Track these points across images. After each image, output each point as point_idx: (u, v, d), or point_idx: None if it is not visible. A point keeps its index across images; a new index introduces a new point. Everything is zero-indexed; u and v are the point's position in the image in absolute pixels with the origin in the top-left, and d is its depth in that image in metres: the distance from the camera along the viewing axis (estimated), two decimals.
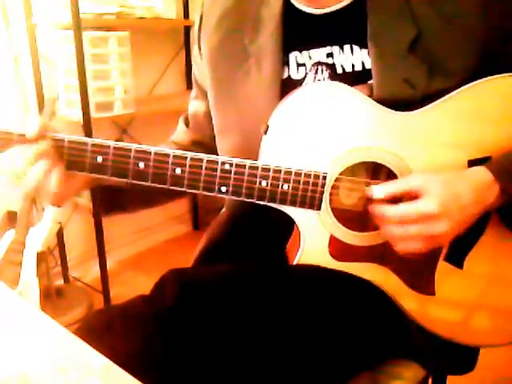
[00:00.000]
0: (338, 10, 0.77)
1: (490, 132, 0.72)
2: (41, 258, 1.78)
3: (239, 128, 0.80)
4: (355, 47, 0.76)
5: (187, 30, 2.46)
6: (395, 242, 0.68)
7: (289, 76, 0.80)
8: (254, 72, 0.80)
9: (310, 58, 0.79)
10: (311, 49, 0.79)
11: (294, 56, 0.80)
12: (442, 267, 0.76)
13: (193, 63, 0.94)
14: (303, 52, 0.79)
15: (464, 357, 0.84)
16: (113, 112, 1.89)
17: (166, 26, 2.37)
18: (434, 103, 0.71)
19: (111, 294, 1.99)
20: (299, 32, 0.80)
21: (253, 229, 0.87)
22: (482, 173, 0.68)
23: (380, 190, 0.68)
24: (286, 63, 0.80)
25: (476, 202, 0.67)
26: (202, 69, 0.88)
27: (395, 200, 0.68)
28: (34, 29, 1.86)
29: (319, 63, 0.78)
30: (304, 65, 0.79)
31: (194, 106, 0.94)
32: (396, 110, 0.71)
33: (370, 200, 0.70)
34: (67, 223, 2.16)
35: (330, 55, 0.78)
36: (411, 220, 0.65)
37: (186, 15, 2.42)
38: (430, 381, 0.92)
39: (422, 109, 0.71)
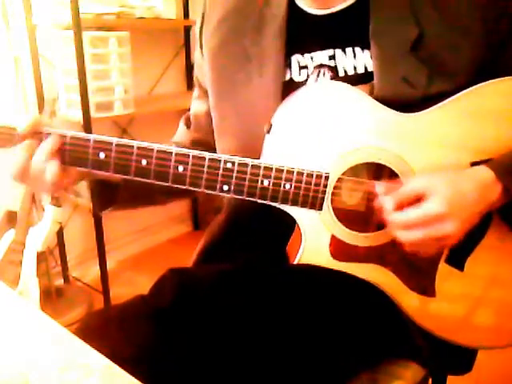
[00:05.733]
0: (341, 10, 0.77)
1: (493, 134, 0.72)
2: (41, 257, 1.79)
3: (239, 130, 0.80)
4: (357, 49, 0.76)
5: (187, 29, 2.46)
6: (404, 245, 0.68)
7: (291, 78, 0.80)
8: (255, 74, 0.80)
9: (312, 60, 0.79)
10: (313, 51, 0.79)
11: (296, 59, 0.79)
12: (443, 269, 0.76)
13: (194, 63, 0.93)
14: (305, 55, 0.79)
15: (463, 357, 0.84)
16: (113, 112, 1.89)
17: (166, 26, 2.37)
18: (437, 105, 0.71)
19: (111, 293, 1.99)
20: (302, 34, 0.80)
21: (253, 228, 0.87)
22: (484, 171, 0.68)
23: (390, 202, 0.67)
24: (287, 65, 0.80)
25: (480, 200, 0.67)
26: (203, 68, 0.88)
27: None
28: (34, 29, 1.86)
29: (321, 65, 0.78)
30: (306, 67, 0.79)
31: (196, 105, 0.94)
32: (396, 110, 0.71)
33: (371, 201, 0.70)
34: (67, 223, 2.16)
35: (332, 57, 0.78)
36: (419, 224, 0.65)
37: (186, 15, 2.42)
38: (429, 381, 0.91)
39: (424, 110, 0.71)
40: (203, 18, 0.88)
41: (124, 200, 0.84)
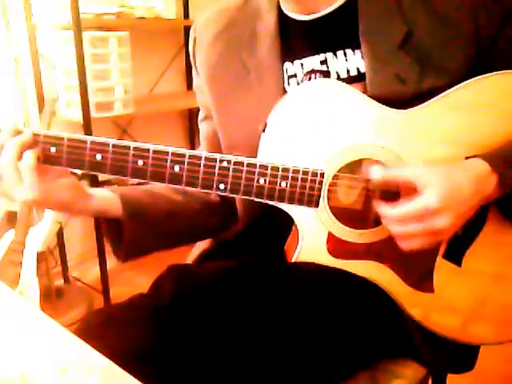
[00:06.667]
0: (328, 14, 0.77)
1: (488, 128, 0.72)
2: (41, 257, 1.78)
3: (246, 143, 0.79)
4: (348, 51, 0.76)
5: (187, 29, 2.45)
6: (398, 239, 0.68)
7: (283, 88, 0.80)
8: (255, 86, 0.80)
9: (302, 67, 0.79)
10: (303, 58, 0.79)
11: (286, 68, 0.80)
12: (441, 265, 0.76)
13: (194, 88, 0.93)
14: (295, 62, 0.79)
15: (464, 356, 0.84)
16: (113, 112, 1.89)
17: (166, 26, 2.37)
18: (431, 100, 0.71)
19: (111, 293, 1.99)
20: (291, 42, 0.80)
21: (252, 227, 0.87)
22: (479, 164, 0.68)
23: (379, 171, 0.67)
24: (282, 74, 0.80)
25: (475, 193, 0.66)
26: (202, 90, 0.88)
27: (393, 195, 0.68)
28: (34, 29, 1.86)
29: (313, 71, 0.78)
30: (295, 75, 0.79)
31: (205, 127, 0.93)
32: (390, 107, 0.71)
33: (368, 197, 0.70)
34: (67, 223, 2.16)
35: (323, 62, 0.78)
36: (413, 218, 0.65)
37: (186, 15, 2.42)
38: (430, 380, 0.91)
39: (419, 106, 0.71)
40: (195, 42, 0.88)
41: (135, 234, 0.81)
